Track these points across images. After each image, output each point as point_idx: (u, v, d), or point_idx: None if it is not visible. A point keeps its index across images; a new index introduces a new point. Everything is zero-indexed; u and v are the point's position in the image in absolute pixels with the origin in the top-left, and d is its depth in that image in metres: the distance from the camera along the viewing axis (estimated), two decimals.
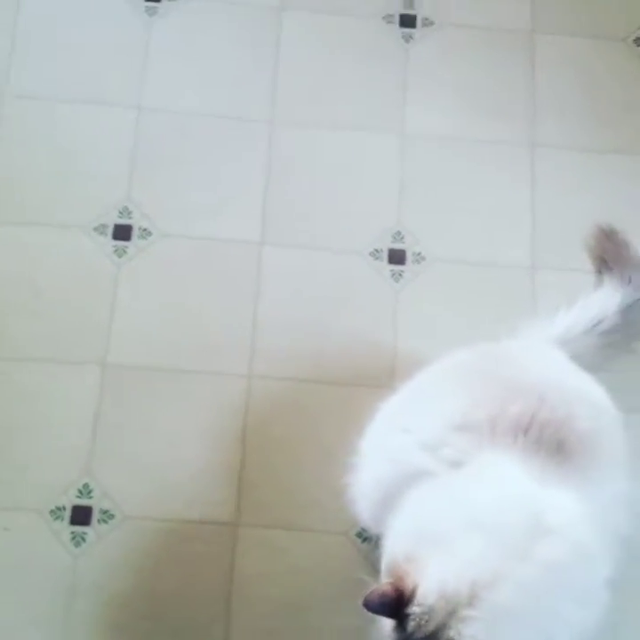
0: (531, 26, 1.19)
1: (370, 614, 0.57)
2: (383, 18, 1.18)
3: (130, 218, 1.03)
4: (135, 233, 1.03)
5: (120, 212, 1.03)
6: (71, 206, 1.02)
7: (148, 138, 1.06)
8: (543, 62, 1.17)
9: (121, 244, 1.02)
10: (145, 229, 1.03)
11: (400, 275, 1.04)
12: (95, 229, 1.02)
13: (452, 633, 0.52)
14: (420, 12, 1.19)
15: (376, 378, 0.98)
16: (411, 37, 1.17)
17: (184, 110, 1.09)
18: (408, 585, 0.53)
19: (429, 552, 0.56)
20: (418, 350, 0.96)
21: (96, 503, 0.93)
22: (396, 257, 1.05)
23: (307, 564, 0.90)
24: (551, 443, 0.64)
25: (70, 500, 0.92)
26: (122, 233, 1.02)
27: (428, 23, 1.18)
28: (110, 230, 1.03)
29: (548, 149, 1.13)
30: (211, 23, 1.13)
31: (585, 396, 0.71)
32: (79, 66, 1.09)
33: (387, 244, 1.06)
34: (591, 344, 0.83)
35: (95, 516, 0.92)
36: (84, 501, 0.93)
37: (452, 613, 0.52)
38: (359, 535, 0.91)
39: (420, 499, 0.64)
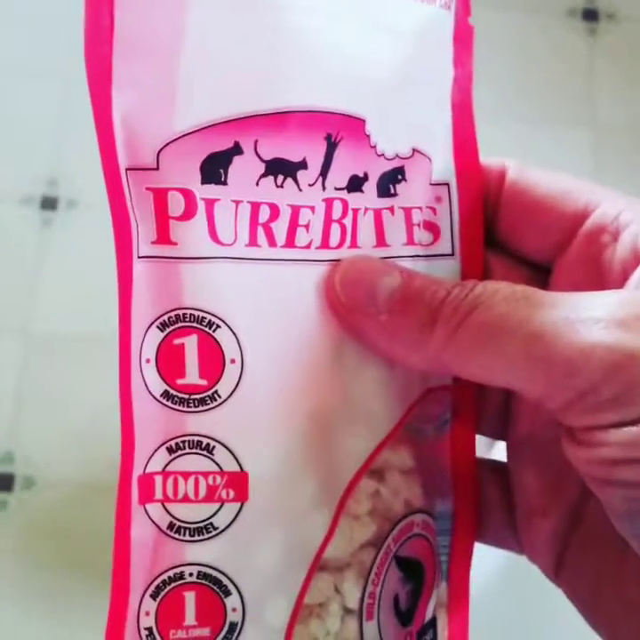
0: None
1: None
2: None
3: (57, 189, 1.03)
4: (62, 204, 1.03)
5: (47, 183, 1.03)
6: None
7: (74, 112, 1.06)
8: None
9: (47, 214, 1.03)
10: (72, 200, 1.03)
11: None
12: (20, 201, 1.03)
13: None
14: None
15: None
16: None
17: None
18: None
19: None
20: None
21: (19, 470, 0.94)
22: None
23: None
24: None
25: None
26: (48, 204, 1.03)
27: None
28: (37, 201, 1.03)
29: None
30: None
31: None
32: None
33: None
34: None
35: (17, 482, 0.94)
36: (6, 468, 0.94)
37: None
38: None
39: None
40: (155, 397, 0.27)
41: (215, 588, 0.27)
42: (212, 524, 0.27)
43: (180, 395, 0.27)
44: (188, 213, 0.26)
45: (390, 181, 0.29)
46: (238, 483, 0.27)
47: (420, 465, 0.31)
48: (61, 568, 0.91)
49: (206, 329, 0.26)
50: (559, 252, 0.30)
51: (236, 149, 0.26)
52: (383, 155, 0.29)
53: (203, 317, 0.26)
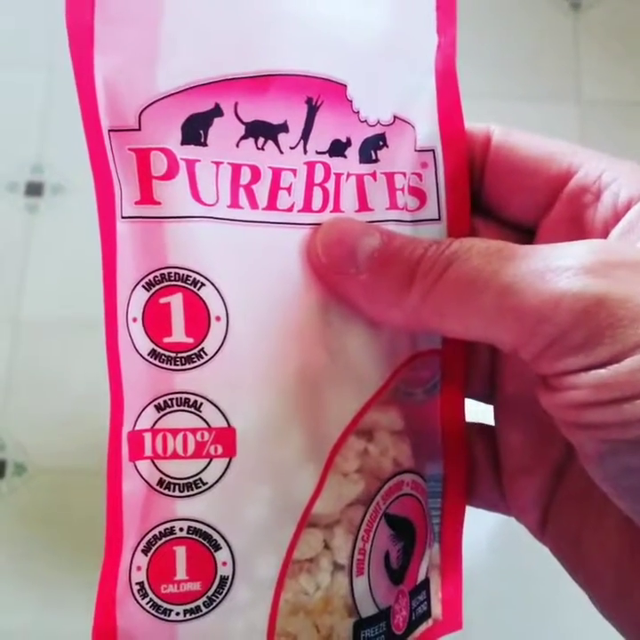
0: None
1: None
2: None
3: (42, 174, 1.03)
4: (47, 189, 1.03)
5: (32, 170, 1.03)
6: None
7: (58, 99, 1.05)
8: None
9: (32, 200, 1.02)
10: (57, 185, 1.02)
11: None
12: (5, 187, 1.03)
13: None
14: None
15: None
16: None
17: None
18: None
19: None
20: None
21: (9, 456, 0.94)
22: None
23: None
24: None
25: None
26: (33, 190, 1.02)
27: None
28: (22, 188, 1.03)
29: None
30: None
31: None
32: None
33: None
34: None
35: (9, 469, 0.94)
36: None
37: None
38: None
39: None
40: (142, 356, 0.27)
41: (205, 542, 0.27)
42: (201, 479, 0.27)
43: (167, 353, 0.27)
44: (171, 173, 0.26)
45: (372, 147, 0.29)
46: (226, 438, 0.27)
47: (410, 427, 0.31)
48: (54, 553, 0.91)
49: (191, 287, 0.27)
50: (543, 214, 0.30)
51: (217, 111, 0.26)
52: (366, 121, 0.29)
53: (187, 276, 0.27)
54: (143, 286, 0.27)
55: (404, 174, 0.30)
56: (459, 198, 0.30)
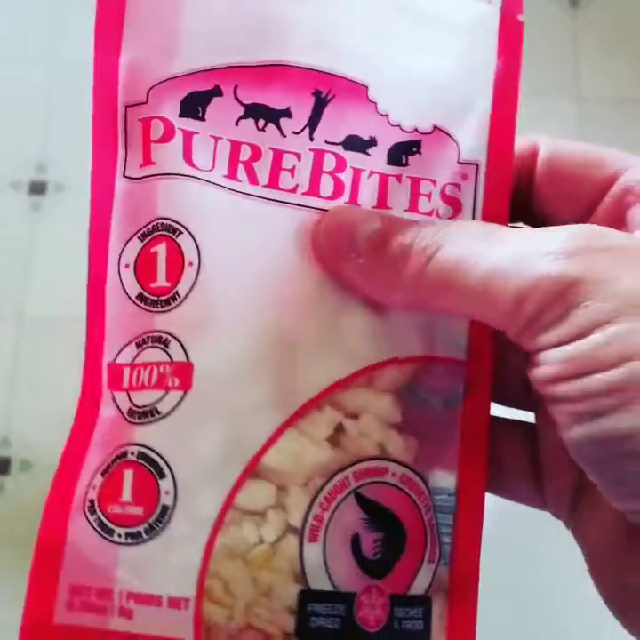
0: None
1: None
2: None
3: (45, 173, 1.03)
4: (50, 188, 1.03)
5: (35, 169, 1.03)
6: None
7: (61, 98, 1.05)
8: None
9: (35, 199, 1.02)
10: (60, 183, 1.03)
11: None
12: (10, 186, 1.03)
13: None
14: None
15: None
16: None
17: None
18: None
19: None
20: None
21: (15, 454, 0.94)
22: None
23: None
24: None
25: None
26: (37, 188, 1.03)
27: None
28: (25, 186, 1.03)
29: None
30: None
31: None
32: None
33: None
34: None
35: (14, 465, 0.94)
36: (2, 452, 0.94)
37: None
38: None
39: None
40: (131, 298, 0.29)
41: (151, 468, 0.28)
42: (156, 408, 0.29)
43: (152, 297, 0.29)
44: (166, 137, 0.29)
45: (403, 152, 0.31)
46: (183, 372, 0.28)
47: (417, 429, 0.31)
48: None
49: (171, 235, 0.29)
50: (588, 218, 0.31)
51: (216, 91, 0.29)
52: (399, 125, 0.31)
53: (170, 225, 0.29)
54: (139, 237, 0.29)
55: (434, 182, 0.31)
56: (496, 212, 0.31)
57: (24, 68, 1.10)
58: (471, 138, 0.31)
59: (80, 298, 0.88)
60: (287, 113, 0.30)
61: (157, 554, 0.28)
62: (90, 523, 0.28)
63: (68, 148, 1.04)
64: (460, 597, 0.31)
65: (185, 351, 0.29)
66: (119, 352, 0.30)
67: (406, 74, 0.31)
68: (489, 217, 0.31)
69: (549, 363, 0.25)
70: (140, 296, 0.29)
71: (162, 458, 0.28)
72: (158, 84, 0.29)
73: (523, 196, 0.32)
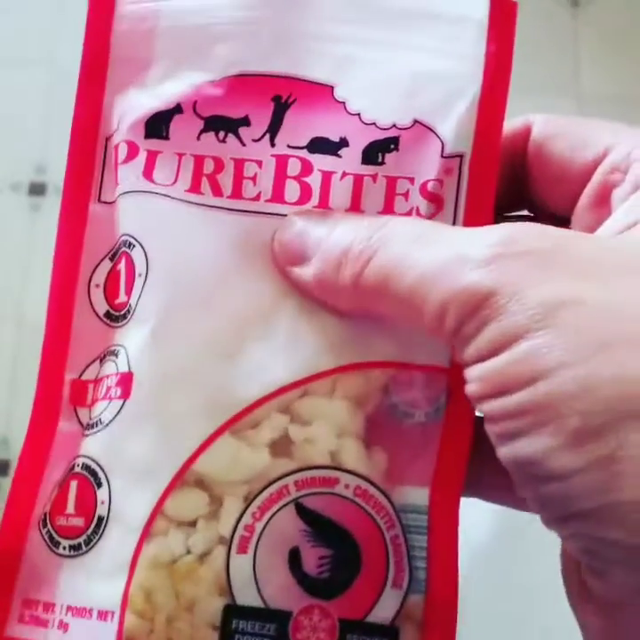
0: None
1: None
2: None
3: (45, 174, 1.03)
4: (50, 189, 1.03)
5: (35, 170, 1.03)
6: None
7: (60, 99, 1.05)
8: None
9: (36, 200, 1.02)
10: (60, 185, 1.02)
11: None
12: (10, 187, 1.03)
13: None
14: None
15: None
16: None
17: None
18: None
19: None
20: None
21: (14, 455, 0.94)
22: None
23: None
24: None
25: None
26: (36, 189, 1.02)
27: None
28: (25, 187, 1.03)
29: None
30: None
31: None
32: None
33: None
34: None
35: (14, 467, 0.94)
36: (1, 454, 0.94)
37: None
38: None
39: None
40: (99, 316, 0.30)
41: (91, 478, 0.28)
42: (100, 419, 0.29)
43: (116, 313, 0.30)
44: (129, 157, 0.30)
45: (380, 150, 0.30)
46: (125, 382, 0.28)
47: (388, 440, 0.29)
48: None
49: (128, 250, 0.29)
50: (577, 200, 0.30)
51: (177, 108, 0.30)
52: (374, 123, 0.30)
53: (127, 240, 0.30)
54: (109, 257, 0.30)
55: (412, 180, 0.30)
56: (480, 207, 0.30)
57: (24, 69, 1.10)
58: (457, 128, 0.30)
59: None
60: (245, 121, 0.30)
61: (92, 565, 0.28)
62: (42, 536, 0.29)
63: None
64: (436, 628, 0.28)
65: (128, 361, 0.29)
66: (85, 369, 0.30)
67: (380, 70, 0.30)
68: (471, 212, 0.30)
69: (472, 379, 0.24)
70: (106, 313, 0.30)
71: (101, 468, 0.28)
72: (128, 110, 0.30)
73: (518, 180, 0.31)
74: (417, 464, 0.29)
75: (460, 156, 0.30)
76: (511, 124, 0.31)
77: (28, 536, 0.29)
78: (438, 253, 0.25)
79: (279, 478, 0.28)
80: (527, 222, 0.28)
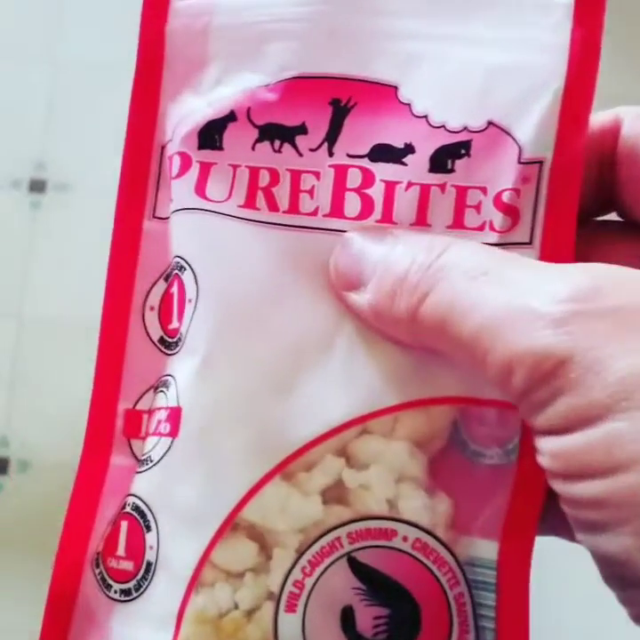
0: None
1: None
2: None
3: (45, 171, 1.03)
4: (50, 186, 1.02)
5: (35, 167, 1.03)
6: None
7: (61, 96, 1.05)
8: None
9: (36, 197, 1.02)
10: (61, 182, 1.02)
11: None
12: (10, 184, 1.03)
13: None
14: None
15: None
16: None
17: None
18: None
19: None
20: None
21: (13, 454, 0.94)
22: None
23: None
24: None
25: None
26: (37, 186, 1.02)
27: None
28: (25, 184, 1.03)
29: None
30: None
31: None
32: None
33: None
34: None
35: (13, 466, 0.93)
36: (1, 452, 0.94)
37: None
38: None
39: None
40: (154, 342, 0.28)
41: (141, 520, 0.27)
42: (150, 456, 0.27)
43: (169, 339, 0.28)
44: (181, 172, 0.28)
45: (449, 155, 0.27)
46: (174, 418, 0.27)
47: (453, 486, 0.27)
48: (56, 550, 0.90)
49: (179, 273, 0.28)
50: None
51: (230, 116, 0.27)
52: (443, 126, 0.27)
53: (179, 262, 0.28)
54: (163, 278, 0.28)
55: (485, 189, 0.27)
56: (561, 218, 0.27)
57: (24, 67, 1.10)
58: (536, 130, 0.26)
59: (79, 298, 0.87)
60: (302, 129, 0.27)
61: (140, 613, 0.26)
62: (95, 576, 0.27)
63: (69, 147, 1.04)
64: None
65: (177, 394, 0.27)
66: (139, 398, 0.28)
67: (449, 66, 0.27)
68: (551, 227, 0.26)
69: (543, 453, 0.22)
70: (160, 339, 0.28)
71: (149, 509, 0.27)
72: (180, 120, 0.28)
73: (606, 182, 0.28)
74: (485, 512, 0.27)
75: (540, 162, 0.26)
76: (598, 118, 0.28)
77: (82, 576, 0.27)
78: (505, 299, 0.22)
79: (331, 529, 0.26)
80: (615, 266, 0.23)
